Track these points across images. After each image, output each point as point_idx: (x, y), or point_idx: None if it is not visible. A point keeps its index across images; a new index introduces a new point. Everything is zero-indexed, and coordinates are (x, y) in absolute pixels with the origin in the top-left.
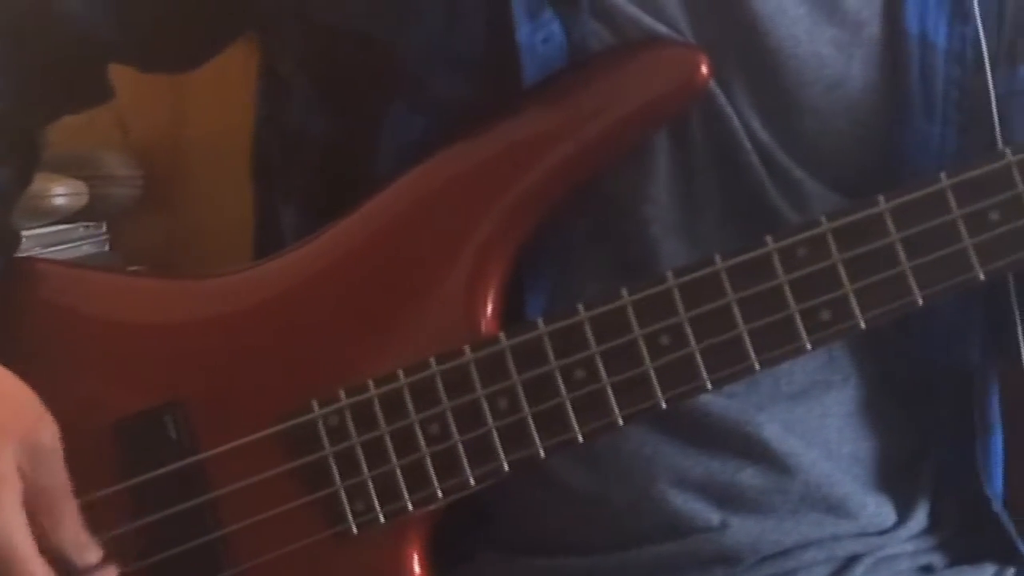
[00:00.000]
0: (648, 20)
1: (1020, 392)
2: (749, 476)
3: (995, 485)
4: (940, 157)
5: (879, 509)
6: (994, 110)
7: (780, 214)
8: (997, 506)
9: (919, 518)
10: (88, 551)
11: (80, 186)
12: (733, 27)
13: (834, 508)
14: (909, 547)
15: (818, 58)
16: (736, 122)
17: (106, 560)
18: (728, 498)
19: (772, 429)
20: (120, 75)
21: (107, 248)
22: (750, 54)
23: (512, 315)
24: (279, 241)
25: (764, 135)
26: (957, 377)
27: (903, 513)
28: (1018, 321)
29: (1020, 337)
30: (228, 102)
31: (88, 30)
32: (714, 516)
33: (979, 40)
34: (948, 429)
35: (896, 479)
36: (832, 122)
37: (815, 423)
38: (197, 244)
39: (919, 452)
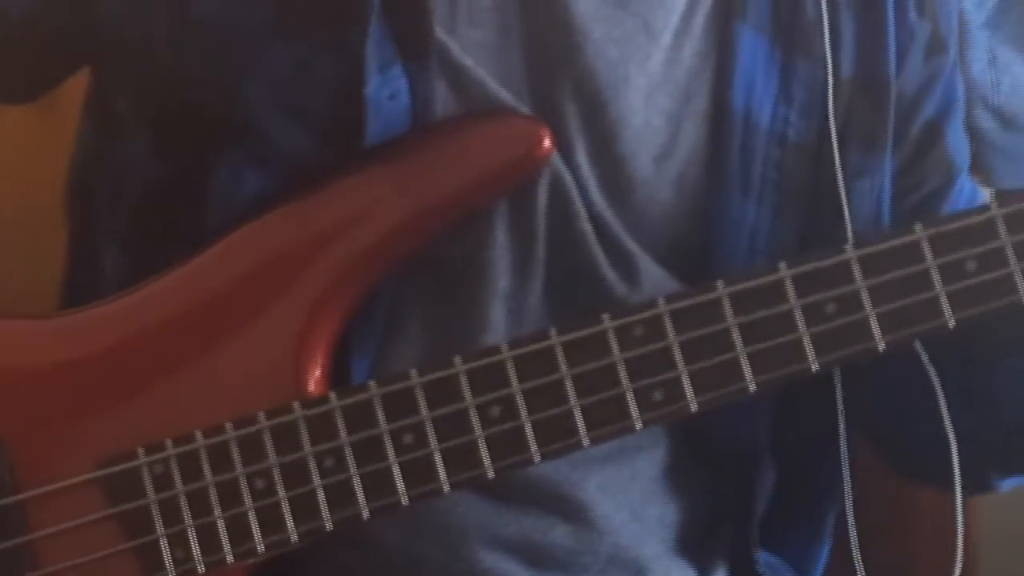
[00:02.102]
0: (493, 85)
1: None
2: (561, 536)
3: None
4: (752, 236)
5: (683, 572)
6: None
7: (608, 284)
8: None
9: None
10: None
11: None
12: (576, 96)
13: (641, 571)
14: None
15: (650, 129)
16: (574, 190)
17: None
18: (539, 558)
19: (586, 489)
20: None
21: None
22: (591, 123)
23: (338, 377)
24: (96, 279)
25: (600, 203)
26: (742, 453)
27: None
28: (840, 413)
29: (841, 427)
30: (35, 142)
31: None
32: None
33: (801, 124)
34: (736, 499)
35: (697, 543)
36: (659, 193)
37: (624, 484)
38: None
39: (718, 518)
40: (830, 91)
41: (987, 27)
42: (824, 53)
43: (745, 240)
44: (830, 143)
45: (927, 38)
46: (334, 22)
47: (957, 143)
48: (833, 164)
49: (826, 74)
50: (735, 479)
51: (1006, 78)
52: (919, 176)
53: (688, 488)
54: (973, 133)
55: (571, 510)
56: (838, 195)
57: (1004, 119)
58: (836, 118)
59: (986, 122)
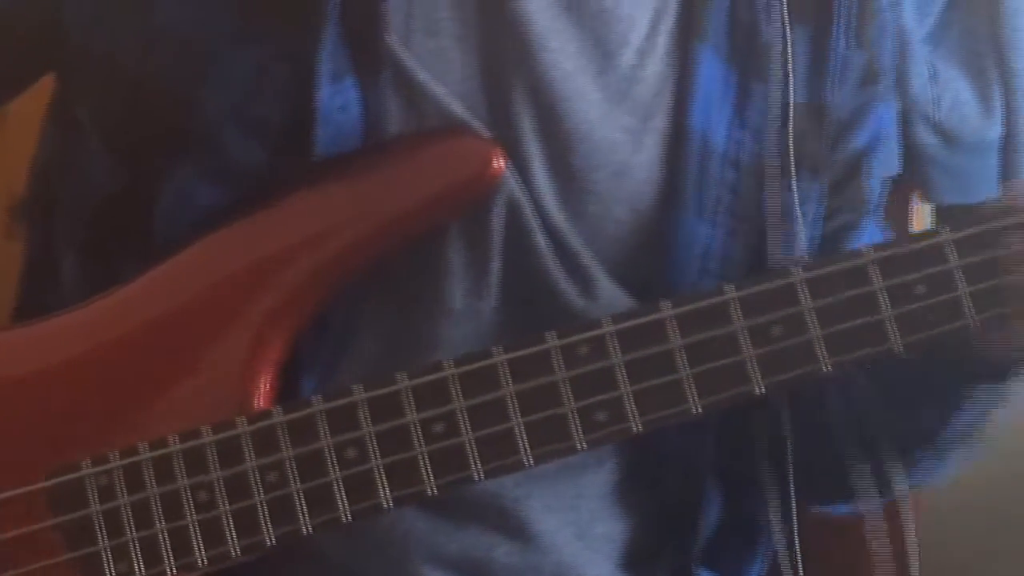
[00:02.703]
0: (446, 99)
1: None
2: (503, 554)
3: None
4: (704, 257)
5: None
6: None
7: (565, 298)
8: None
9: None
10: None
11: None
12: (532, 108)
13: None
14: None
15: (610, 143)
16: (529, 203)
17: None
18: (482, 575)
19: (529, 506)
20: None
21: None
22: (549, 131)
23: (287, 393)
24: (53, 288)
25: (556, 216)
26: (687, 474)
27: None
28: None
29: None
30: None
31: None
32: None
33: (755, 148)
34: (681, 519)
35: (642, 561)
36: (614, 208)
37: (570, 502)
38: None
39: (664, 536)
40: (788, 116)
41: (928, 42)
42: (779, 78)
43: (697, 260)
44: (780, 167)
45: (862, 68)
46: (292, 27)
47: (874, 183)
48: (784, 188)
49: (779, 98)
50: (681, 499)
51: (947, 94)
52: (833, 207)
53: (634, 507)
54: (915, 149)
55: (514, 527)
56: (787, 219)
57: (945, 135)
58: (787, 144)
59: (927, 138)
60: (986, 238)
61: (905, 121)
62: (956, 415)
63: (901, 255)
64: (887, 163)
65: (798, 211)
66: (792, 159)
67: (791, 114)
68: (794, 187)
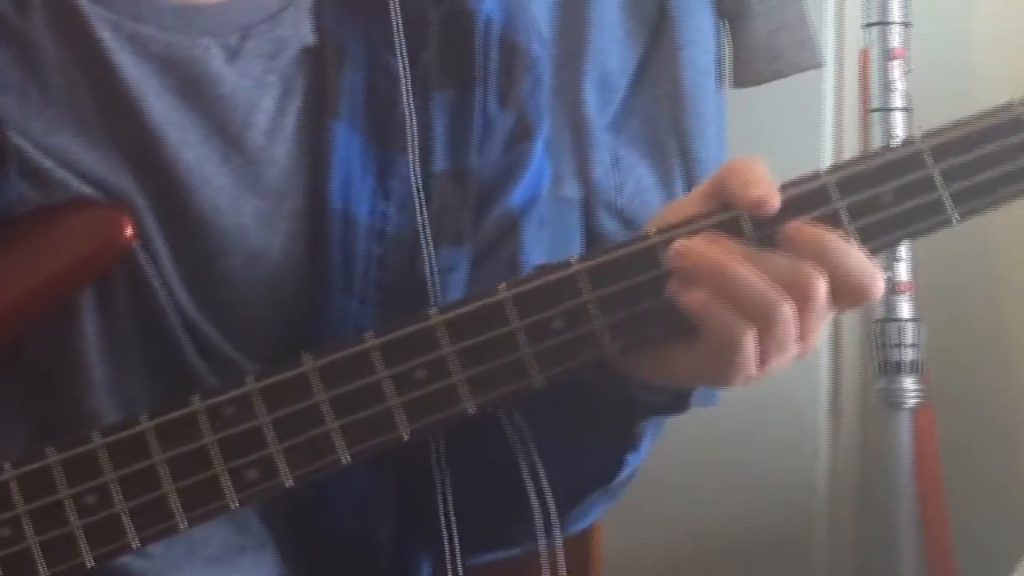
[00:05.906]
0: (76, 183)
1: None
2: None
3: None
4: (358, 333)
5: None
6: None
7: (203, 378)
8: None
9: None
10: None
11: None
12: (158, 195)
13: None
14: None
15: (240, 228)
16: (158, 286)
17: None
18: None
19: None
20: None
21: None
22: (173, 221)
23: None
24: None
25: (186, 302)
26: (364, 553)
27: None
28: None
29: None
30: None
31: None
32: None
33: (400, 219)
34: None
35: None
36: (249, 293)
37: None
38: None
39: None
40: (430, 186)
41: (611, 130)
42: (417, 147)
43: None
44: (423, 238)
45: (509, 128)
46: None
47: (531, 250)
48: (427, 258)
49: (420, 168)
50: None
51: (630, 181)
52: (488, 271)
53: None
54: (596, 235)
55: None
56: (434, 290)
57: (626, 221)
58: (430, 213)
59: (609, 224)
60: (619, 268)
61: (587, 207)
62: (629, 457)
63: (535, 290)
64: (541, 221)
65: (437, 280)
66: (427, 230)
67: (433, 183)
68: (433, 256)
